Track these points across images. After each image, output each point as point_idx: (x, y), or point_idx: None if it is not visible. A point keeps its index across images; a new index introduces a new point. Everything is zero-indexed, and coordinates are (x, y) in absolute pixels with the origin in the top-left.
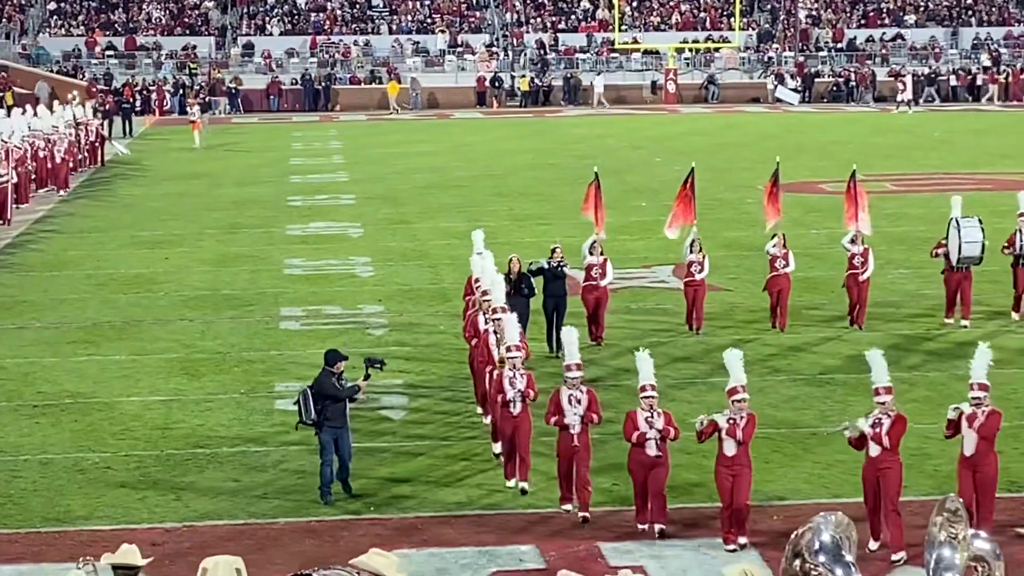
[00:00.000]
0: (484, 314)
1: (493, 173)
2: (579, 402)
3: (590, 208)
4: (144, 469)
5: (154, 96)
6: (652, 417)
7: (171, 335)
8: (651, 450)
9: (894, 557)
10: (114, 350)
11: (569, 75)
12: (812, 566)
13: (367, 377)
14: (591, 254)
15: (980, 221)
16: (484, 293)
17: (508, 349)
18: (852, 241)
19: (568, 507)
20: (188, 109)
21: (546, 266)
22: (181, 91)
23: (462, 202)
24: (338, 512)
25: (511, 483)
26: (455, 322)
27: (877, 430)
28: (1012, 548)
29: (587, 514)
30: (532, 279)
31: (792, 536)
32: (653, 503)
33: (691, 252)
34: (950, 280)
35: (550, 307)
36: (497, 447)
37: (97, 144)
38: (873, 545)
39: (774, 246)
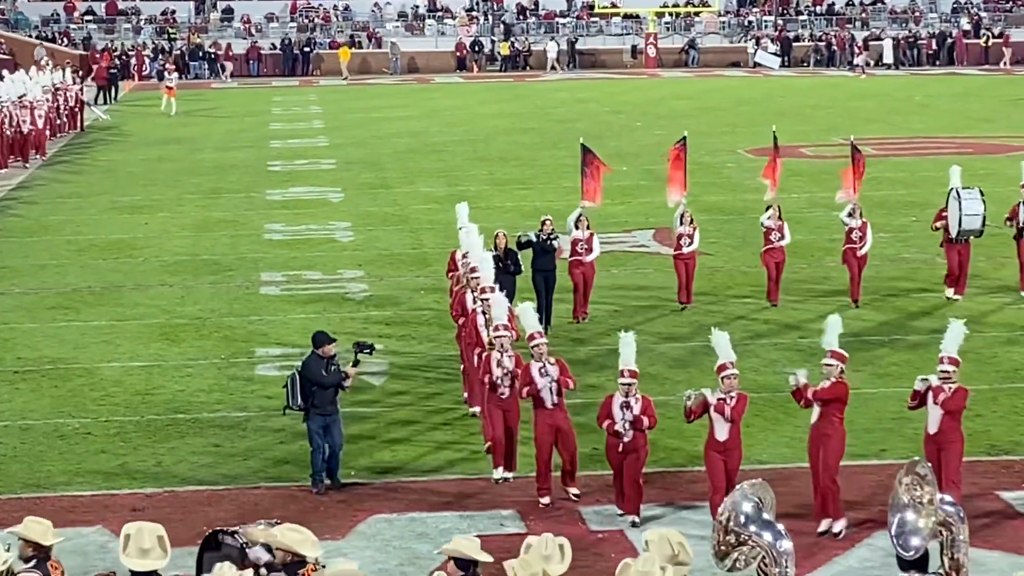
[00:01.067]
0: (472, 292)
1: (473, 138)
2: (548, 374)
3: (589, 184)
4: (124, 435)
5: (133, 61)
6: (629, 403)
7: (151, 300)
8: (625, 437)
9: (834, 528)
10: (94, 316)
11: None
12: (746, 536)
13: (356, 363)
14: (576, 228)
15: (981, 192)
16: (472, 270)
17: (496, 329)
18: (850, 215)
19: (545, 500)
20: (166, 75)
21: (535, 239)
22: (160, 56)
23: (442, 167)
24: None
25: (498, 473)
26: (435, 286)
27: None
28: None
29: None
30: (519, 255)
31: (718, 517)
32: (629, 491)
33: (680, 224)
34: (951, 252)
35: (539, 282)
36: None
37: (77, 109)
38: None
39: (769, 218)
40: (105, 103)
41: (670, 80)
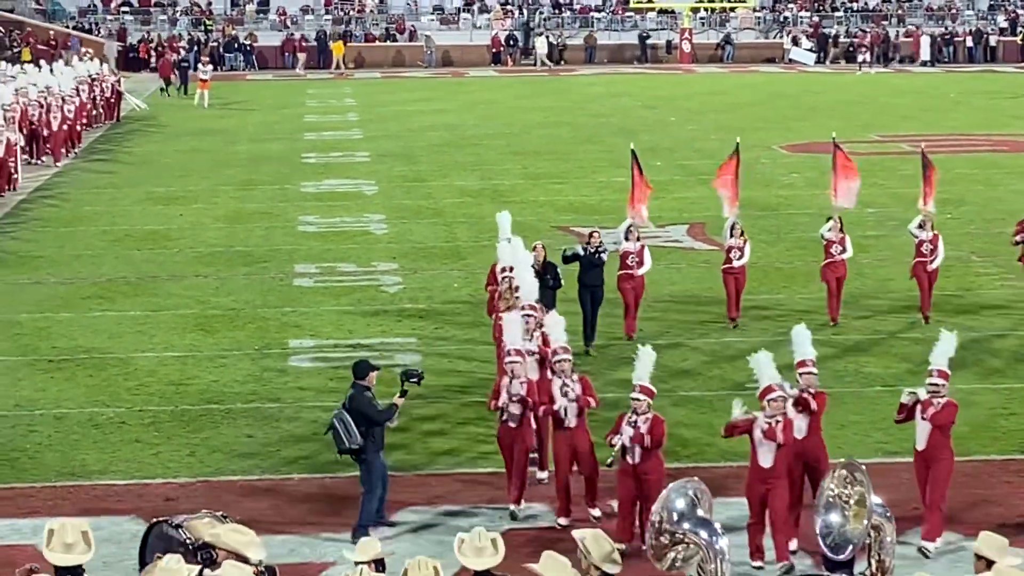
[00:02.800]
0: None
1: (508, 131)
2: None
3: (635, 191)
4: (158, 424)
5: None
6: (637, 421)
7: (186, 291)
8: (630, 457)
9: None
10: (129, 306)
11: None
12: (680, 534)
13: (404, 393)
14: (627, 239)
15: None
16: (515, 288)
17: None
18: (920, 226)
19: (563, 521)
20: (199, 67)
21: (582, 252)
22: (196, 48)
23: (476, 160)
24: (352, 468)
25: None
26: (469, 279)
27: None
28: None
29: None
30: (559, 269)
31: (650, 516)
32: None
33: (731, 236)
34: None
35: (586, 298)
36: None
37: (113, 100)
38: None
39: (829, 230)
40: (167, 93)
41: (704, 75)
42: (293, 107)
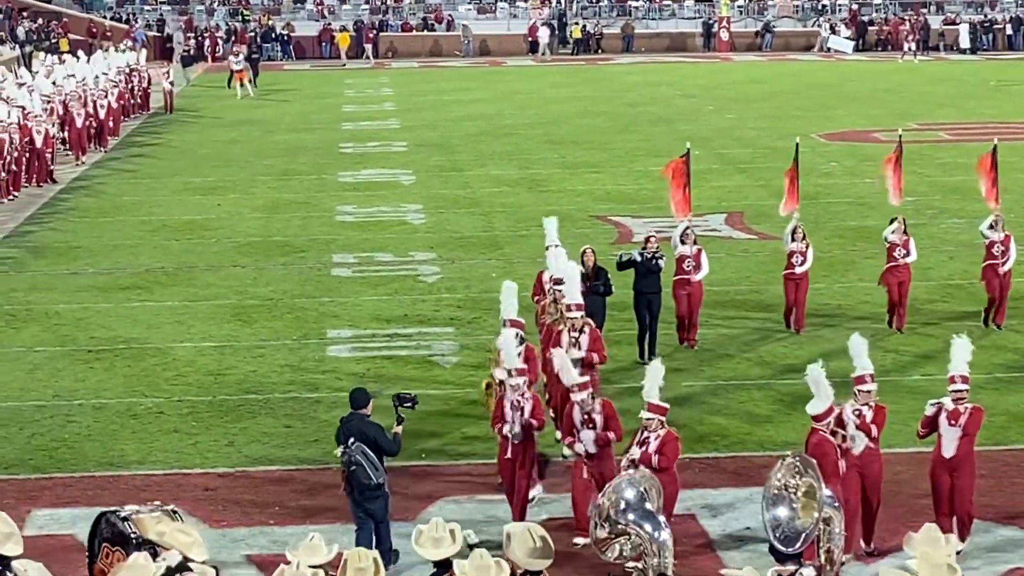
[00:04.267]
0: (564, 326)
1: (545, 120)
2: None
3: (677, 188)
4: (197, 414)
5: (207, 43)
6: (648, 439)
7: (223, 281)
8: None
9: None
10: (167, 296)
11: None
12: (623, 525)
13: (401, 420)
14: (683, 242)
15: None
16: (566, 304)
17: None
18: (992, 227)
19: (581, 541)
20: (231, 58)
21: (638, 258)
22: (233, 38)
23: (514, 149)
24: (389, 460)
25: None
26: (507, 269)
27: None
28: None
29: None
30: (609, 275)
31: (598, 504)
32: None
33: (792, 240)
34: None
35: (643, 307)
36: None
37: (149, 90)
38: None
39: (893, 232)
40: (240, 85)
41: (742, 64)
42: (331, 97)
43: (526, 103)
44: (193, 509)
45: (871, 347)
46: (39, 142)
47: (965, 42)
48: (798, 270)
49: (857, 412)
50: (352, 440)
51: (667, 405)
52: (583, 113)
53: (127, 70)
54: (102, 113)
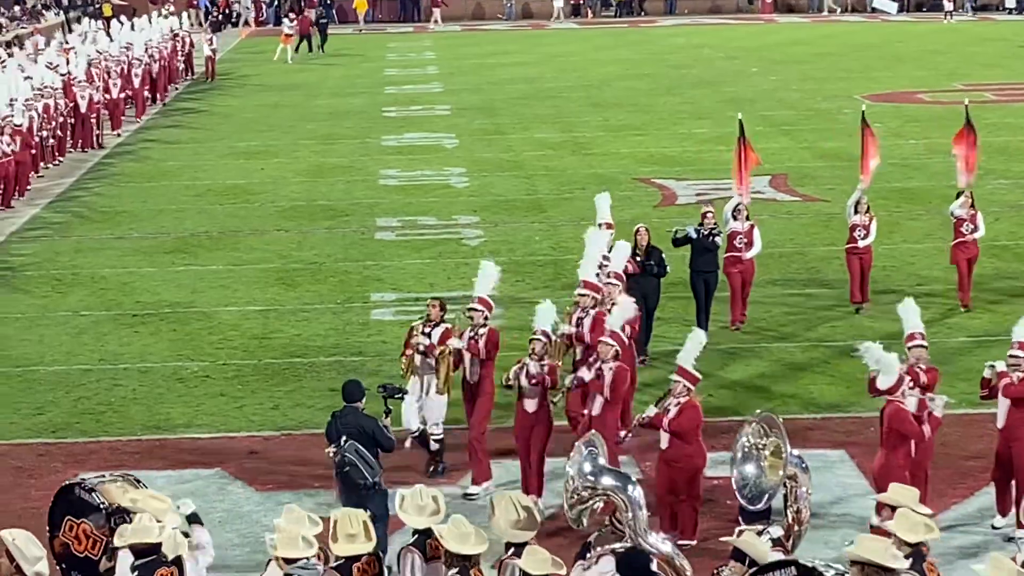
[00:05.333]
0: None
1: (587, 83)
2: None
3: (742, 166)
4: (242, 378)
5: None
6: (669, 407)
7: (267, 245)
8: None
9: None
10: (211, 260)
11: None
12: (600, 491)
13: (389, 412)
14: (735, 219)
15: None
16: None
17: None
18: (962, 205)
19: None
20: (285, 21)
21: (694, 234)
22: (276, 2)
23: (556, 113)
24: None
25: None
26: (550, 232)
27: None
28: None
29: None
30: (663, 254)
31: (566, 486)
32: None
33: (855, 213)
34: None
35: (699, 284)
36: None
37: (193, 55)
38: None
39: (960, 206)
40: (311, 51)
41: (786, 25)
42: (374, 61)
43: (568, 66)
44: (238, 472)
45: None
46: (83, 107)
47: (1011, 1)
48: (861, 244)
49: (911, 373)
50: (344, 439)
51: (699, 376)
52: (626, 76)
53: (171, 35)
54: (136, 82)
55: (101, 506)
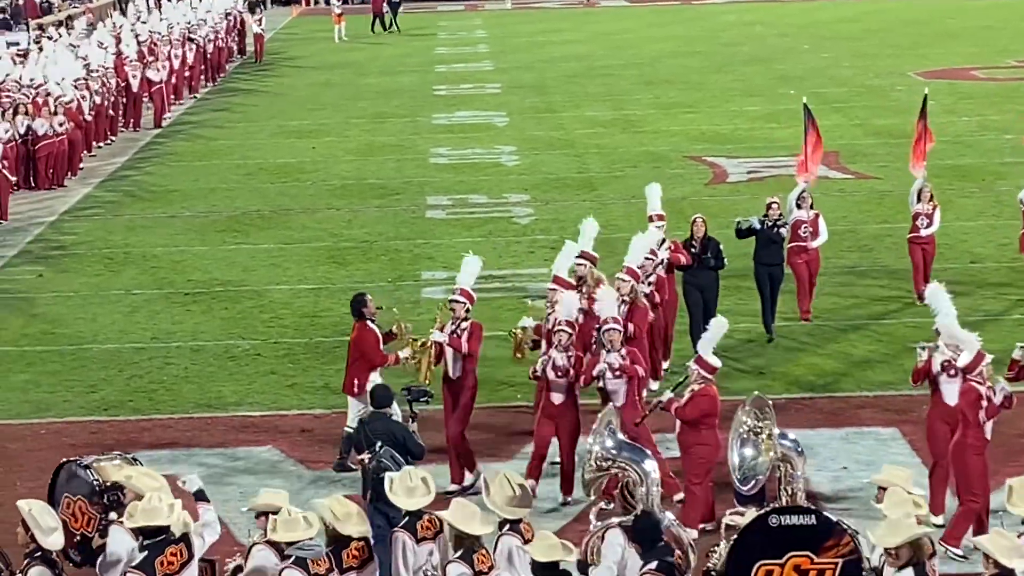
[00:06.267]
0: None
1: (639, 61)
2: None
3: (809, 151)
4: (293, 356)
5: None
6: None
7: (318, 224)
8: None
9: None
10: (262, 239)
11: None
12: (621, 464)
13: (414, 417)
14: (799, 207)
15: None
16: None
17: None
18: (919, 198)
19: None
20: (333, 0)
21: (758, 225)
22: None
23: (608, 90)
24: (493, 399)
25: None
26: (601, 210)
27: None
28: None
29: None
30: (722, 246)
31: (588, 461)
32: (686, 499)
33: (917, 201)
34: None
35: (763, 278)
36: None
37: (244, 34)
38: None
39: None
40: (384, 28)
41: (837, 2)
42: (424, 39)
43: (620, 44)
44: (290, 450)
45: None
46: (135, 86)
47: None
48: (923, 233)
49: (947, 362)
50: (380, 445)
51: (716, 364)
52: (677, 53)
53: (224, 14)
54: (176, 63)
55: (95, 483)
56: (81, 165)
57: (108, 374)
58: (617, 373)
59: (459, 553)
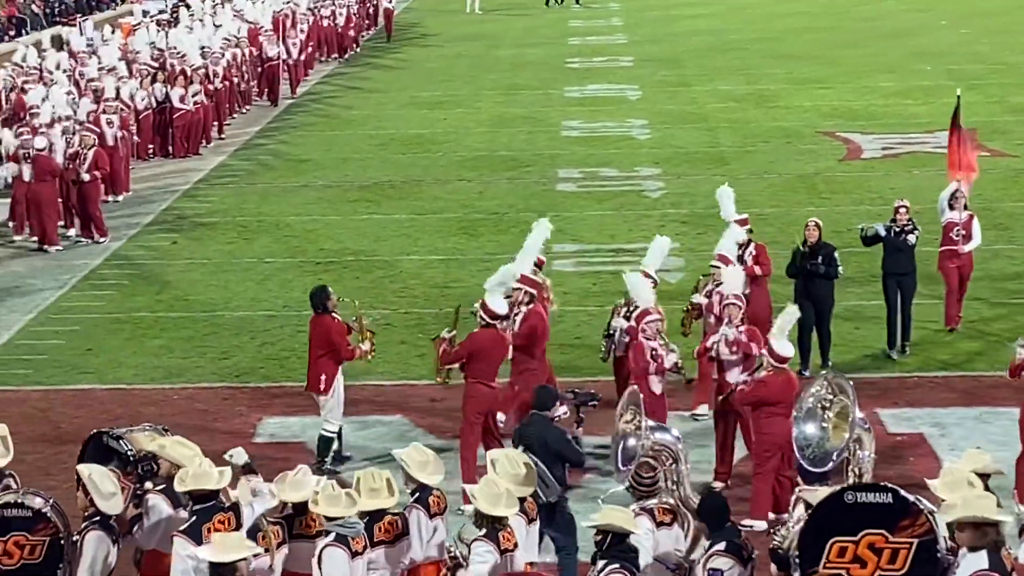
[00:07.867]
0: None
1: (771, 36)
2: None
3: (960, 149)
4: (423, 327)
5: None
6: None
7: (449, 195)
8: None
9: None
10: (394, 209)
11: None
12: (658, 447)
13: (580, 421)
14: (951, 208)
15: None
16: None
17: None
18: (951, 205)
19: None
20: None
21: (884, 232)
22: None
23: (740, 65)
24: (596, 372)
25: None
26: (733, 185)
27: None
28: None
29: None
30: (836, 254)
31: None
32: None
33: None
34: None
35: (892, 288)
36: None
37: (379, 6)
38: None
39: None
40: (559, 2)
41: None
42: (558, 12)
43: (752, 18)
44: (419, 420)
45: None
46: (272, 55)
47: None
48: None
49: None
50: (522, 450)
51: (785, 353)
52: (810, 28)
53: None
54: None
55: (128, 453)
56: (222, 136)
57: (240, 341)
58: (733, 349)
59: (484, 532)
